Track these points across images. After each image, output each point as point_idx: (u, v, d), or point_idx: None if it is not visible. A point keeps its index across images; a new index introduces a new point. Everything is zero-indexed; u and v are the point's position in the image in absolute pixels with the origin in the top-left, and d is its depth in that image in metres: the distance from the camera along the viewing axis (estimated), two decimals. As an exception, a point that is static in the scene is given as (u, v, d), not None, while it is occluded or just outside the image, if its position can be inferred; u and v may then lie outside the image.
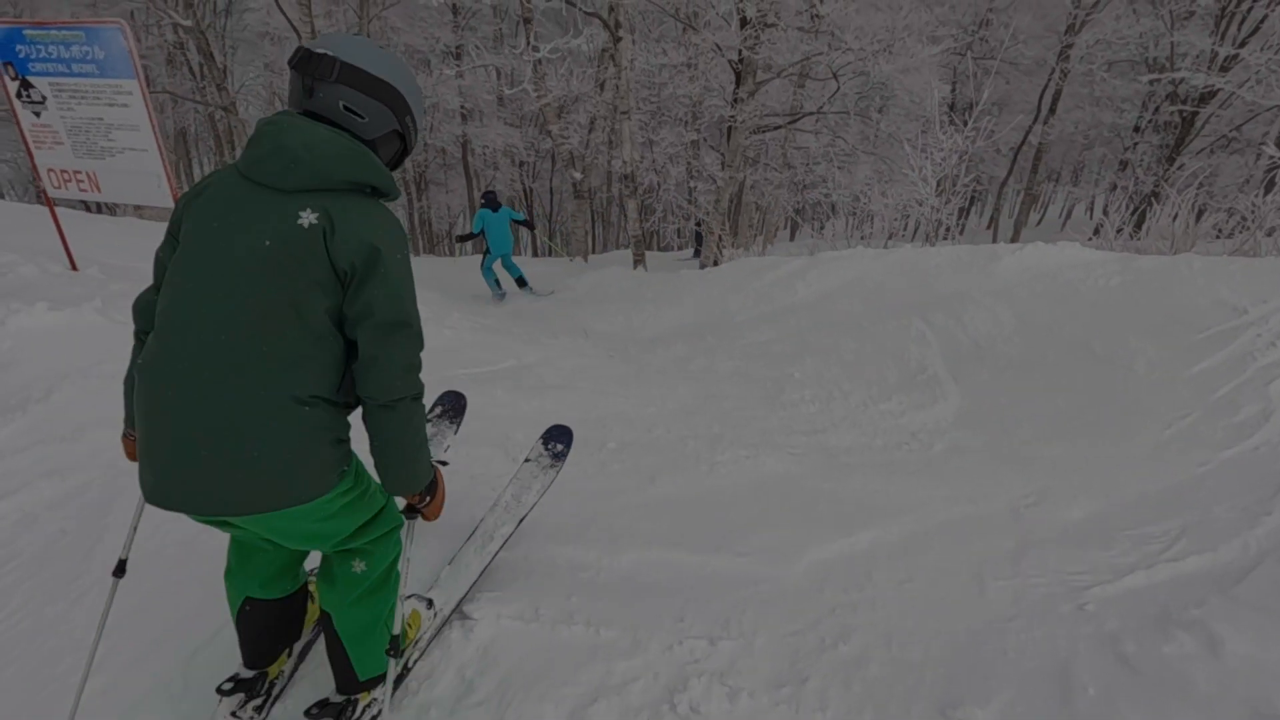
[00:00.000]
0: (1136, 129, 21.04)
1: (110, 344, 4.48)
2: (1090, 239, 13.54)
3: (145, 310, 1.95)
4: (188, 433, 1.61)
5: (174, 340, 1.65)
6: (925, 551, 3.58)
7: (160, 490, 1.67)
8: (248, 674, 2.18)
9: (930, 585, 3.27)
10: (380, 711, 2.11)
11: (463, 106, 22.49)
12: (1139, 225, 14.92)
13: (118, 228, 7.88)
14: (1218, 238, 11.62)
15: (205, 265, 1.65)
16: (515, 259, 13.63)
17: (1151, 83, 16.10)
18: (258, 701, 2.19)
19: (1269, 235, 9.96)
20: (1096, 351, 6.38)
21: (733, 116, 15.00)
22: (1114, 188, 19.62)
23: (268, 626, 2.17)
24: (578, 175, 17.95)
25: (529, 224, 11.87)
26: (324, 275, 1.64)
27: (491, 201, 11.61)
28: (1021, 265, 8.29)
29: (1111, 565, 3.40)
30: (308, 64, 1.69)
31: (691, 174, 16.62)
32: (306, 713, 2.13)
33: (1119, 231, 10.83)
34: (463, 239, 12.23)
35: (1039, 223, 35.10)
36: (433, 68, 23.48)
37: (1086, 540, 3.73)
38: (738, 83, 14.79)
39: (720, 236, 16.01)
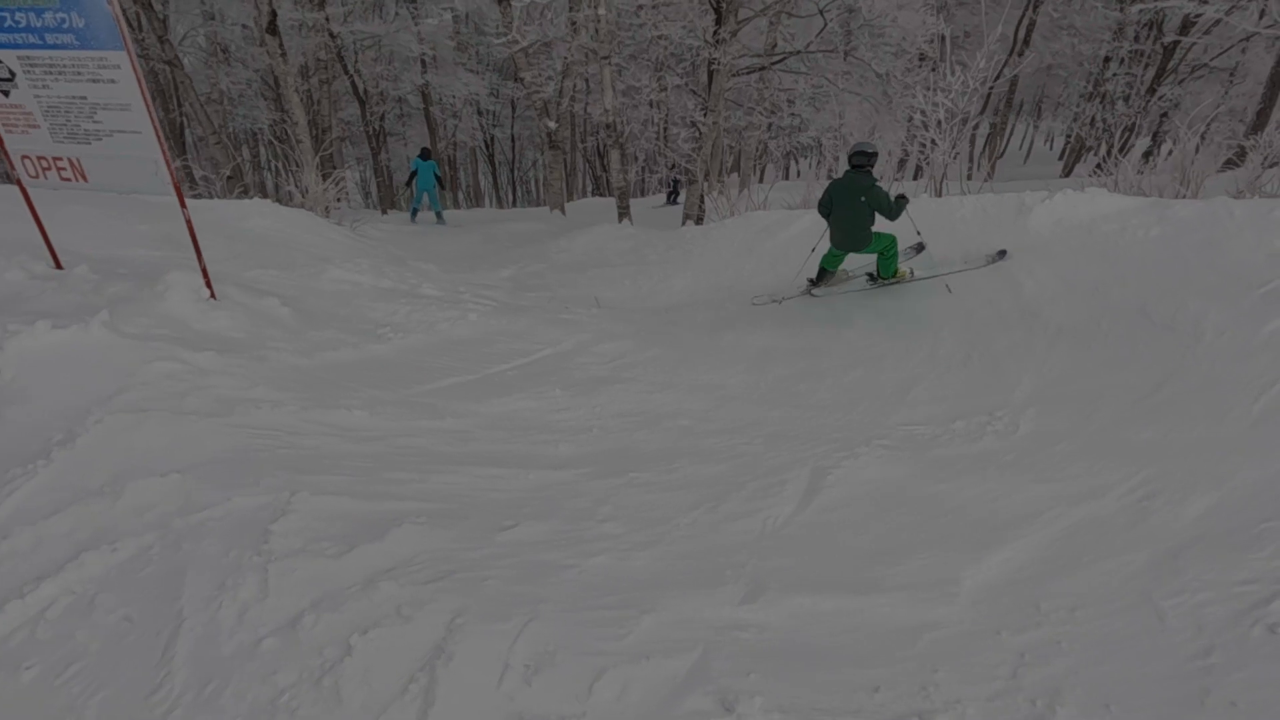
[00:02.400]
0: (1106, 60, 20.76)
1: (127, 365, 3.91)
2: (1093, 174, 13.28)
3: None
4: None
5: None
6: (1073, 568, 3.28)
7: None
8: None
9: (1101, 613, 2.97)
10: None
11: (423, 54, 21.29)
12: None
13: (84, 203, 7.10)
14: (1222, 170, 11.39)
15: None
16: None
17: (1140, 11, 15.72)
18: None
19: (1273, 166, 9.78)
20: (1155, 318, 6.11)
21: (714, 59, 14.30)
22: (1092, 121, 19.39)
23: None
24: (552, 125, 17.13)
25: (441, 182, 16.78)
26: None
27: (425, 154, 15.99)
28: (1053, 217, 7.96)
29: (1274, 571, 3.14)
30: None
31: (673, 120, 15.93)
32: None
33: (1101, 164, 10.57)
34: (407, 184, 16.24)
35: (1000, 156, 34.95)
36: (386, 12, 22.15)
37: (1227, 541, 3.46)
38: (718, 22, 14.07)
39: (704, 188, 15.45)
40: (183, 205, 4.68)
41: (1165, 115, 21.21)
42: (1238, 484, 3.99)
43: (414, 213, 16.48)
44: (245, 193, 14.67)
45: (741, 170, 19.32)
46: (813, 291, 7.64)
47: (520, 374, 5.05)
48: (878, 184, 6.76)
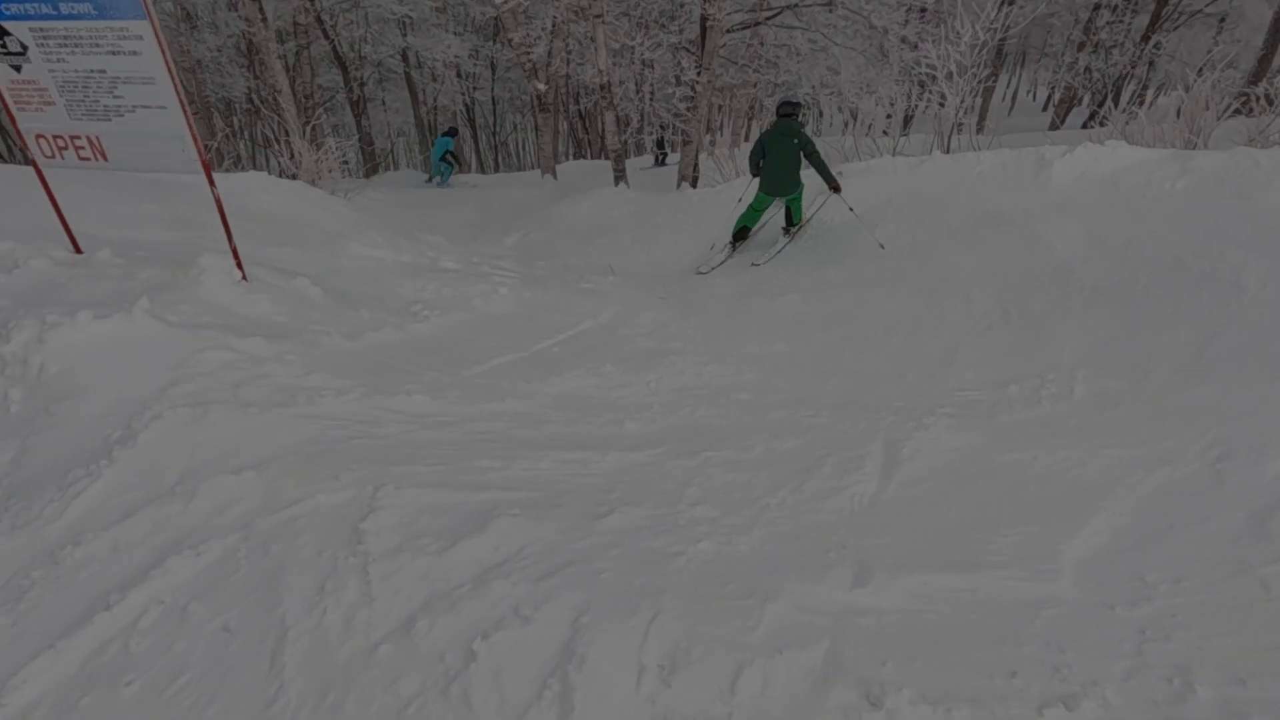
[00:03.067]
0: (1097, 7, 20.53)
1: (177, 355, 3.73)
2: (1089, 125, 13.15)
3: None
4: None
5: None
6: (1166, 537, 3.23)
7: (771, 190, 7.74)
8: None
9: (1206, 584, 2.93)
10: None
11: (404, 16, 20.66)
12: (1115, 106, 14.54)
13: (85, 183, 6.80)
14: (1229, 116, 11.28)
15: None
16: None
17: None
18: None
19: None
20: (1193, 271, 6.05)
21: (707, 14, 13.96)
22: (1085, 70, 19.21)
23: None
24: (542, 87, 16.72)
25: (457, 159, 18.35)
26: None
27: (450, 132, 18.07)
28: (1075, 171, 7.87)
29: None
30: None
31: (666, 80, 15.59)
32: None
33: (1095, 113, 10.45)
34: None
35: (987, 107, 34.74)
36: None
37: (1316, 501, 3.43)
38: (713, -23, 13.71)
39: (700, 148, 15.19)
40: (212, 185, 4.46)
41: (1151, 64, 21.06)
42: (1309, 439, 3.96)
43: (443, 178, 18.08)
44: (231, 168, 14.24)
45: (732, 129, 19.02)
46: (732, 247, 8.55)
47: (568, 349, 4.92)
48: (807, 135, 7.91)
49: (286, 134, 14.15)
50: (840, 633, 2.47)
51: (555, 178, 17.60)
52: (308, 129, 13.16)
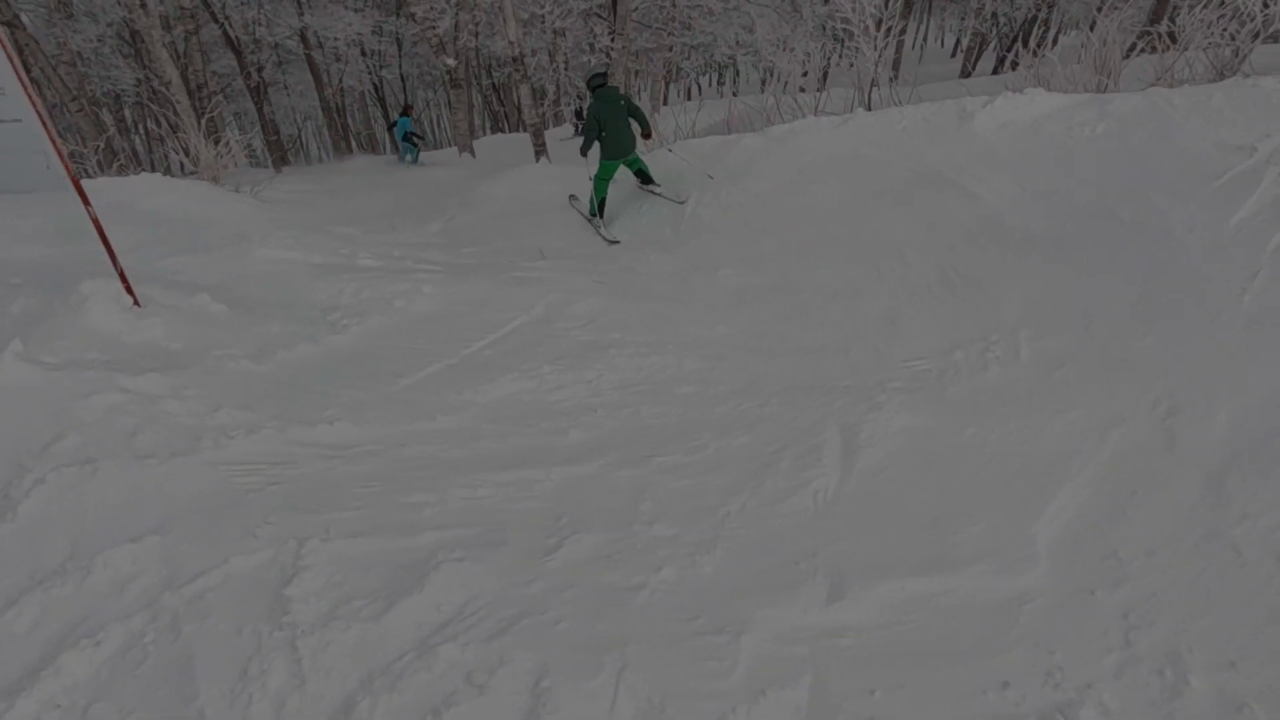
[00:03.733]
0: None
1: (58, 404, 3.29)
2: (998, 71, 13.19)
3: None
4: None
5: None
6: (1131, 507, 3.13)
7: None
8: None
9: (1179, 556, 2.83)
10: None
11: (299, -7, 19.50)
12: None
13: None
14: (1129, 56, 11.38)
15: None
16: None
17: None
18: None
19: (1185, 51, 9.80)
20: (1122, 218, 6.02)
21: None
22: (993, 16, 19.34)
23: None
24: (451, 62, 16.02)
25: (416, 136, 17.55)
26: None
27: (406, 111, 17.67)
28: (997, 122, 7.79)
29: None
30: None
31: (580, 48, 15.08)
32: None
33: (1003, 58, 10.44)
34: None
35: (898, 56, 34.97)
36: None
37: (1265, 453, 3.39)
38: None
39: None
40: (86, 204, 3.96)
41: (1053, 6, 21.36)
42: (1252, 389, 3.94)
43: (414, 157, 17.63)
44: (124, 168, 13.25)
45: (650, 94, 18.62)
46: (596, 223, 8.77)
47: (500, 350, 4.60)
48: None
49: (177, 128, 13.22)
50: (821, 661, 2.27)
51: (474, 155, 16.96)
52: (204, 121, 12.27)
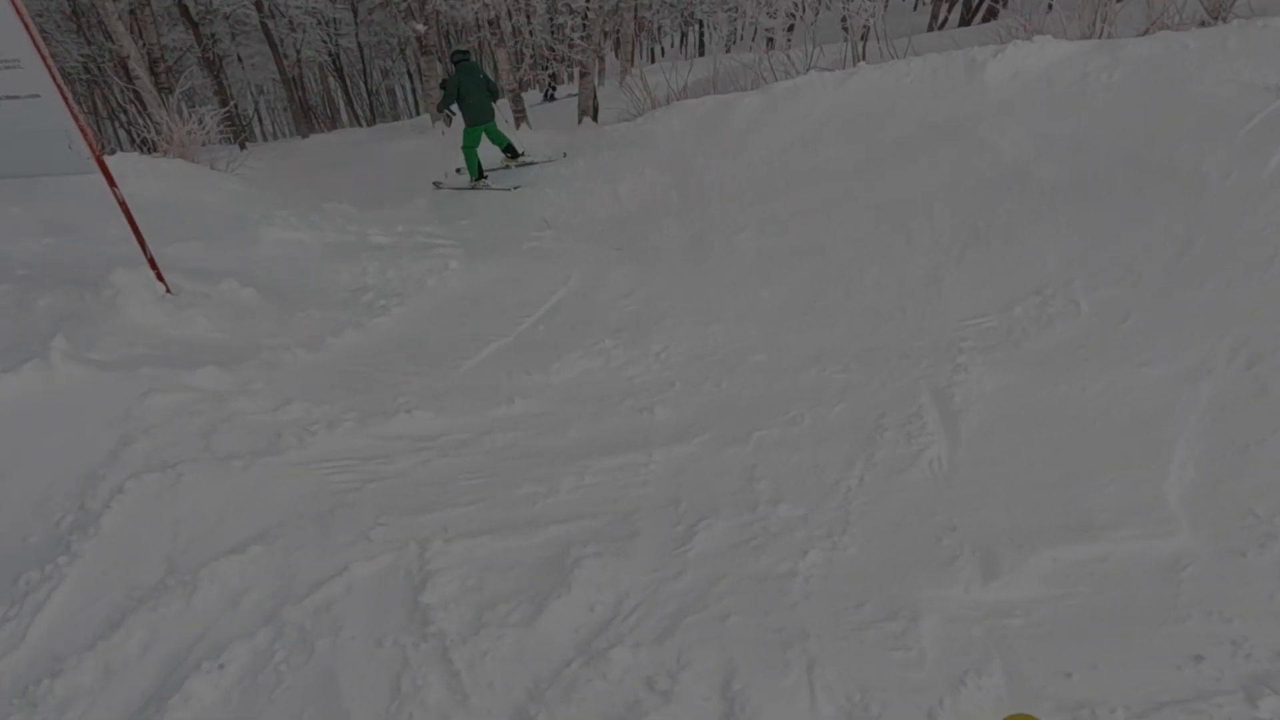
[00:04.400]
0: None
1: (119, 405, 3.02)
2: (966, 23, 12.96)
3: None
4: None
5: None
6: (1247, 457, 3.06)
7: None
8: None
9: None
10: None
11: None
12: None
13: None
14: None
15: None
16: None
17: None
18: None
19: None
20: (1150, 164, 5.94)
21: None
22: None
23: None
24: (421, 28, 15.41)
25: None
26: None
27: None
28: (1008, 72, 7.63)
29: None
30: None
31: (557, 9, 14.57)
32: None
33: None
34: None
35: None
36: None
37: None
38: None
39: (595, 79, 14.39)
40: (112, 185, 3.63)
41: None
42: (1322, 336, 3.88)
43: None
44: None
45: (622, 54, 18.17)
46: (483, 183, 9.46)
47: (552, 326, 4.38)
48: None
49: (143, 104, 12.52)
50: (1002, 644, 2.15)
51: (448, 124, 16.40)
52: (173, 97, 11.61)
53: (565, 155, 9.51)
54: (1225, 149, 5.75)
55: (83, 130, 3.49)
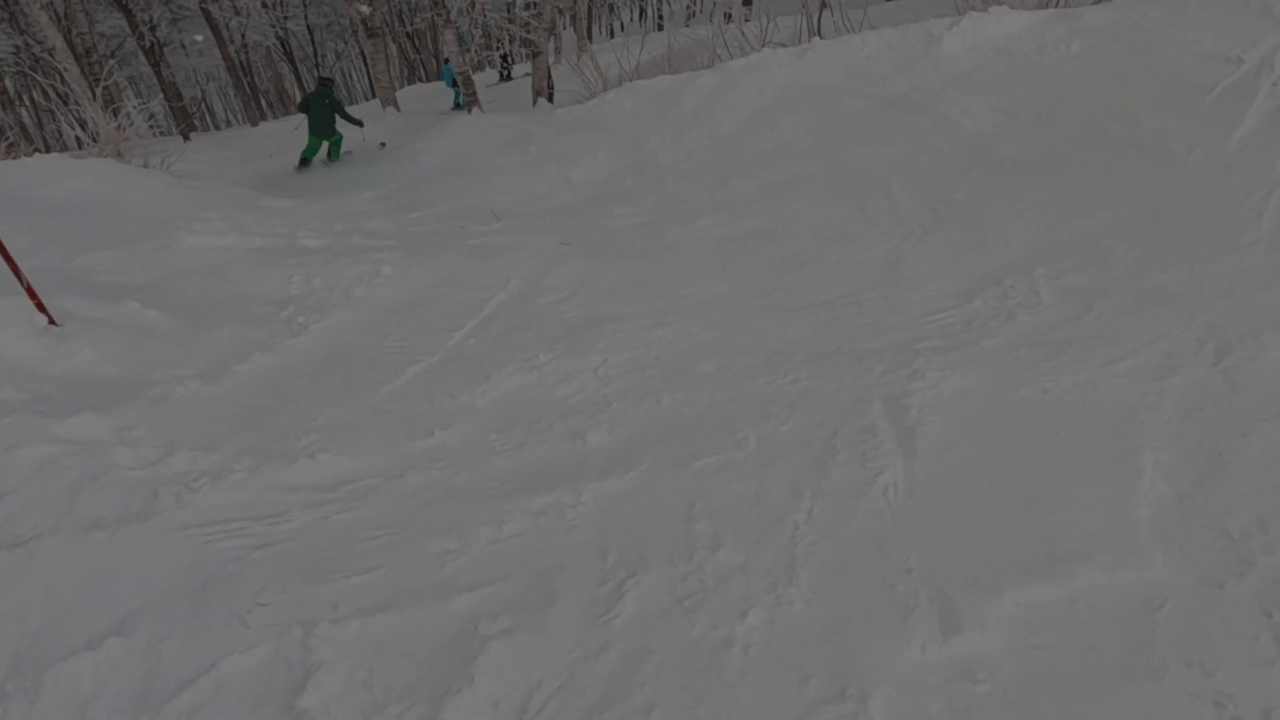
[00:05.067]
0: None
1: None
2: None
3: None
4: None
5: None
6: (1219, 467, 2.79)
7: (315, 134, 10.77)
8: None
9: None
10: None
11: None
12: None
13: None
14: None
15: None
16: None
17: None
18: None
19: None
20: (1114, 138, 5.69)
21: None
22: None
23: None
24: (365, 9, 14.76)
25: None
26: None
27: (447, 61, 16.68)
28: (965, 44, 7.35)
29: None
30: None
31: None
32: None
33: None
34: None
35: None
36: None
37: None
38: None
39: (548, 60, 13.89)
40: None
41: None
42: (1299, 316, 3.65)
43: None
44: (13, 146, 11.81)
45: (577, 33, 17.61)
46: (299, 170, 11.32)
47: (485, 338, 4.04)
48: (338, 99, 11.35)
49: (71, 99, 11.82)
50: (965, 714, 1.88)
51: (399, 109, 15.82)
52: (100, 90, 10.96)
53: (382, 145, 11.92)
54: (1189, 121, 5.50)
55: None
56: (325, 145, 11.38)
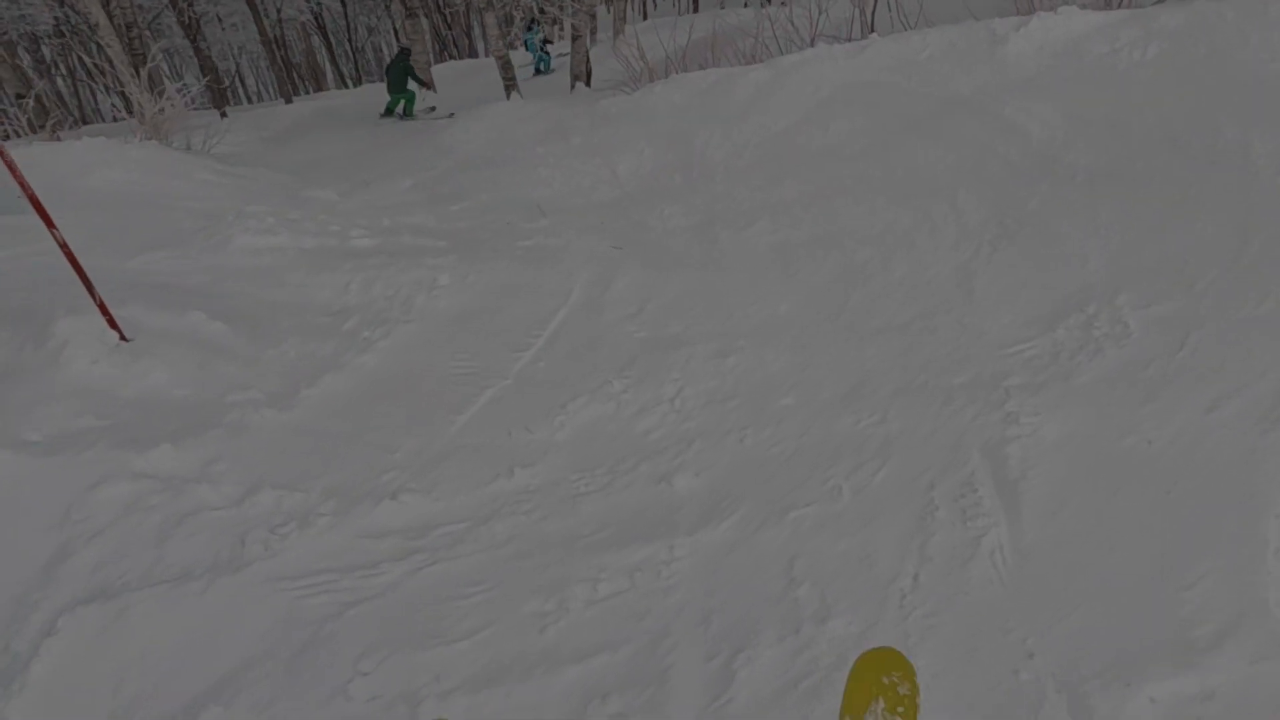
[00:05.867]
0: None
1: (59, 501, 2.56)
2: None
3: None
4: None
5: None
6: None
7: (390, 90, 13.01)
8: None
9: None
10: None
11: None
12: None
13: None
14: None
15: None
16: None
17: None
18: None
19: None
20: (1193, 149, 5.42)
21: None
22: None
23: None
24: (404, -12, 14.49)
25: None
26: None
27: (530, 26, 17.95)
28: (1034, 45, 7.04)
29: None
30: None
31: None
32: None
33: None
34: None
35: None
36: None
37: None
38: None
39: (588, 43, 13.61)
40: (51, 227, 3.10)
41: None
42: None
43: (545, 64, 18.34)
44: (58, 125, 11.74)
45: (614, 15, 17.26)
46: (381, 117, 13.78)
47: (554, 359, 3.91)
48: (409, 65, 13.38)
49: (114, 75, 11.71)
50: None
51: (435, 90, 15.59)
52: (144, 71, 10.84)
53: (452, 115, 12.91)
54: (1270, 131, 5.23)
55: (10, 164, 2.94)
56: (401, 103, 13.50)
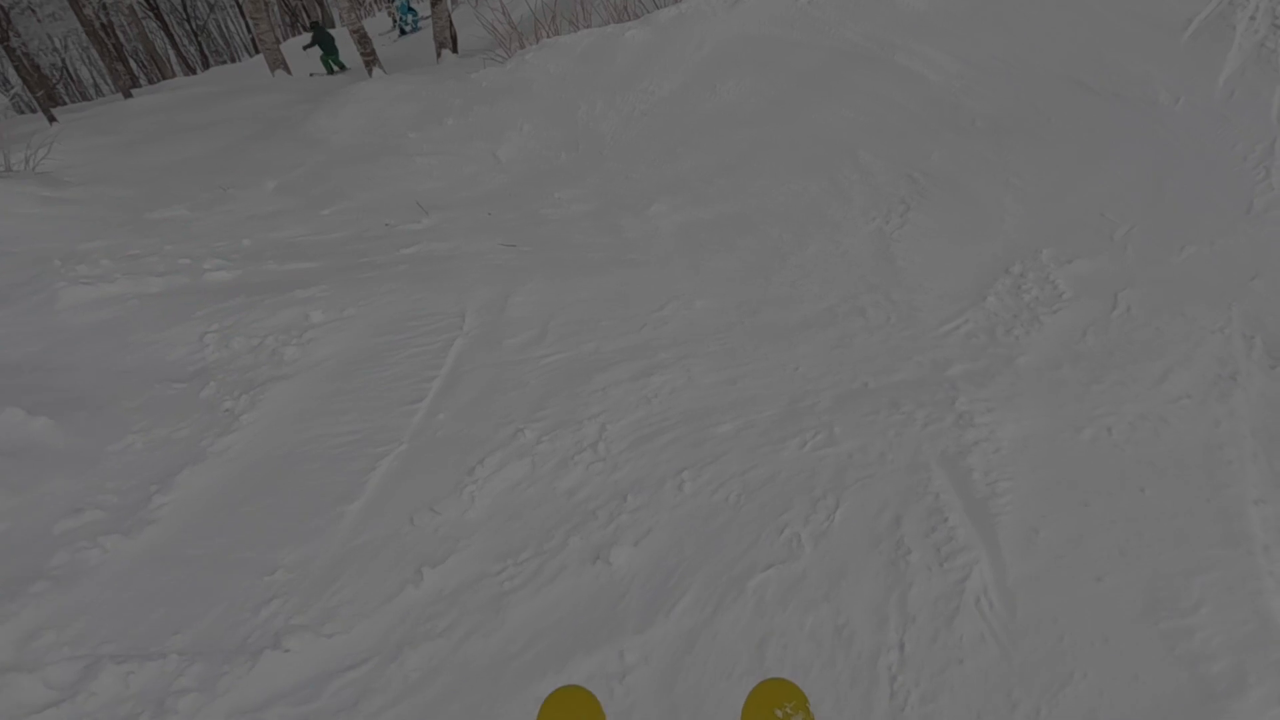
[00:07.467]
0: None
1: None
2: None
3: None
4: None
5: None
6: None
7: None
8: None
9: None
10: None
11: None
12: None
13: None
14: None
15: None
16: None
17: None
18: None
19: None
20: (1097, 89, 5.25)
21: None
22: None
23: None
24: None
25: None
26: None
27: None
28: (919, -16, 6.74)
29: None
30: None
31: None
32: None
33: None
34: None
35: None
36: None
37: None
38: None
39: (449, 7, 12.66)
40: None
41: None
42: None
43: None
44: None
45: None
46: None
47: (455, 409, 3.38)
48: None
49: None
50: None
51: (289, 71, 14.28)
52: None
53: (311, 76, 14.50)
54: (1167, 64, 5.09)
55: None
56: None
